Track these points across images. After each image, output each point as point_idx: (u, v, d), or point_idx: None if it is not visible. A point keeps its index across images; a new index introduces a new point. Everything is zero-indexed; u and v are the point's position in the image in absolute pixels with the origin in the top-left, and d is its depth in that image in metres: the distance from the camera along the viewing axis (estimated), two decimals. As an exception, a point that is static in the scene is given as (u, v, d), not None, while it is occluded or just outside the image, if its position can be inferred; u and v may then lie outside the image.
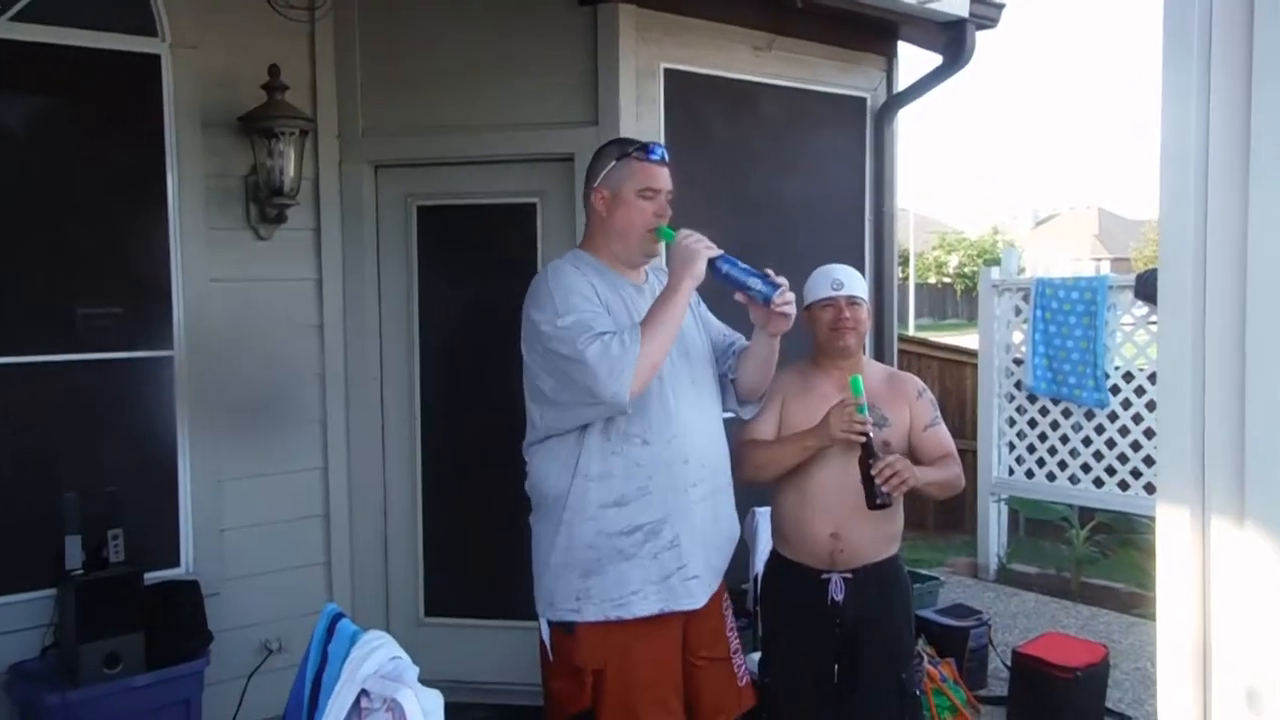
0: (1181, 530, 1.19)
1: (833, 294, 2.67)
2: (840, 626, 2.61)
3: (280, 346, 3.77)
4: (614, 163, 2.40)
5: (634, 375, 2.14)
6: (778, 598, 2.78)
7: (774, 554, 2.77)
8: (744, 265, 2.31)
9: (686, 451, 2.34)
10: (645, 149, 2.40)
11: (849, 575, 2.61)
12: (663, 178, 2.39)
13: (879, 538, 2.64)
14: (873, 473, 2.43)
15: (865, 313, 2.71)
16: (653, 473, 2.29)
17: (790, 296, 2.32)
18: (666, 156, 2.42)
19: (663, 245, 2.41)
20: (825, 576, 2.62)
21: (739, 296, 2.34)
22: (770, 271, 2.32)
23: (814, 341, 2.75)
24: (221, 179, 3.60)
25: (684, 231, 2.32)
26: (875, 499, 2.44)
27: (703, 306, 2.59)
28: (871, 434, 2.45)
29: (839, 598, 2.60)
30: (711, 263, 2.28)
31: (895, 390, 2.71)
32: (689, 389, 2.39)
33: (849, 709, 2.64)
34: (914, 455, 2.65)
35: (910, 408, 2.70)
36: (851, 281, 2.69)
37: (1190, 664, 1.18)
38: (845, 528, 2.58)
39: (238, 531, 3.65)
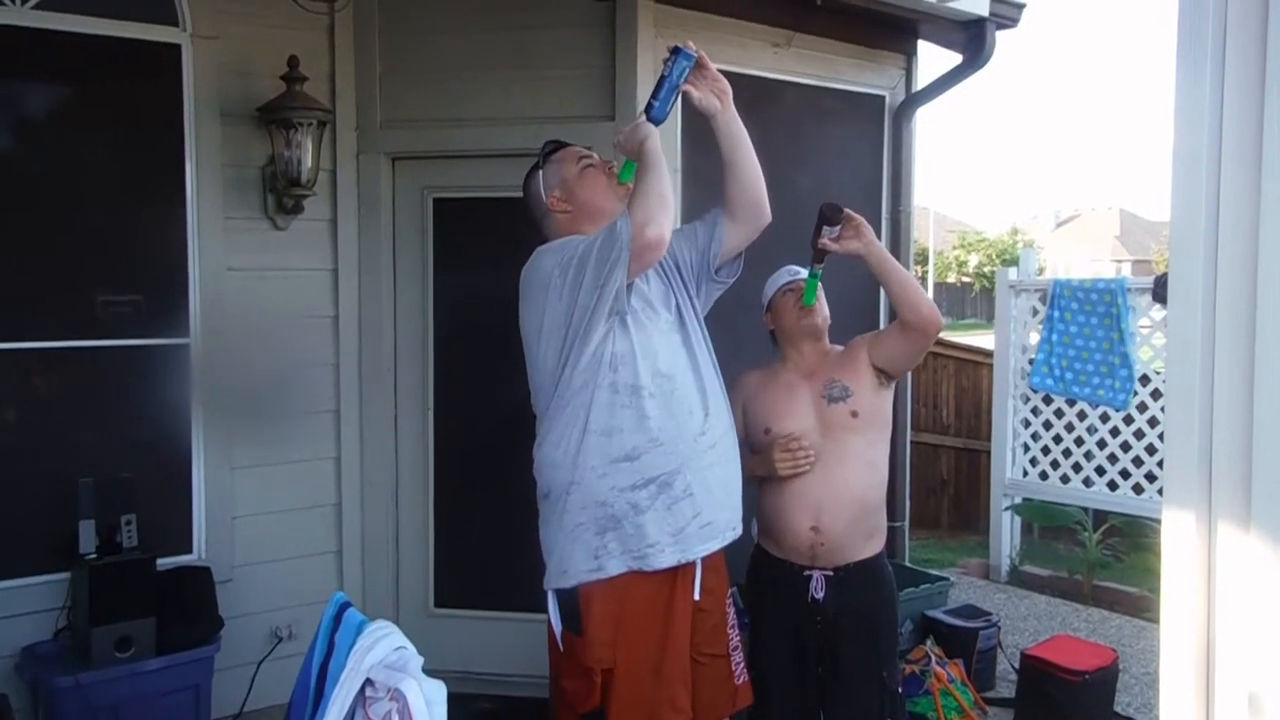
0: (1187, 534, 1.18)
1: (791, 279, 2.75)
2: (821, 623, 2.62)
3: (295, 336, 3.79)
4: (540, 173, 2.49)
5: (648, 209, 2.19)
6: (761, 593, 2.78)
7: (758, 549, 2.77)
8: (661, 91, 2.34)
9: (690, 403, 2.35)
10: (552, 145, 2.51)
11: (830, 573, 2.61)
12: (581, 149, 2.50)
13: (860, 532, 2.64)
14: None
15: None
16: (662, 424, 2.29)
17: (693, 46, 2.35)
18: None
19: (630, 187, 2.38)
20: (807, 574, 2.63)
21: (686, 91, 2.36)
22: (668, 53, 2.35)
23: (780, 339, 2.78)
24: (239, 169, 3.62)
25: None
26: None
27: (685, 242, 2.54)
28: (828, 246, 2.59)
29: (819, 595, 2.61)
30: (649, 116, 2.33)
31: (849, 358, 2.71)
32: (684, 353, 2.40)
33: (831, 705, 2.66)
34: (886, 346, 2.69)
35: (866, 357, 2.69)
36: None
37: (1193, 668, 1.18)
38: (826, 520, 2.59)
39: (250, 519, 3.68)
